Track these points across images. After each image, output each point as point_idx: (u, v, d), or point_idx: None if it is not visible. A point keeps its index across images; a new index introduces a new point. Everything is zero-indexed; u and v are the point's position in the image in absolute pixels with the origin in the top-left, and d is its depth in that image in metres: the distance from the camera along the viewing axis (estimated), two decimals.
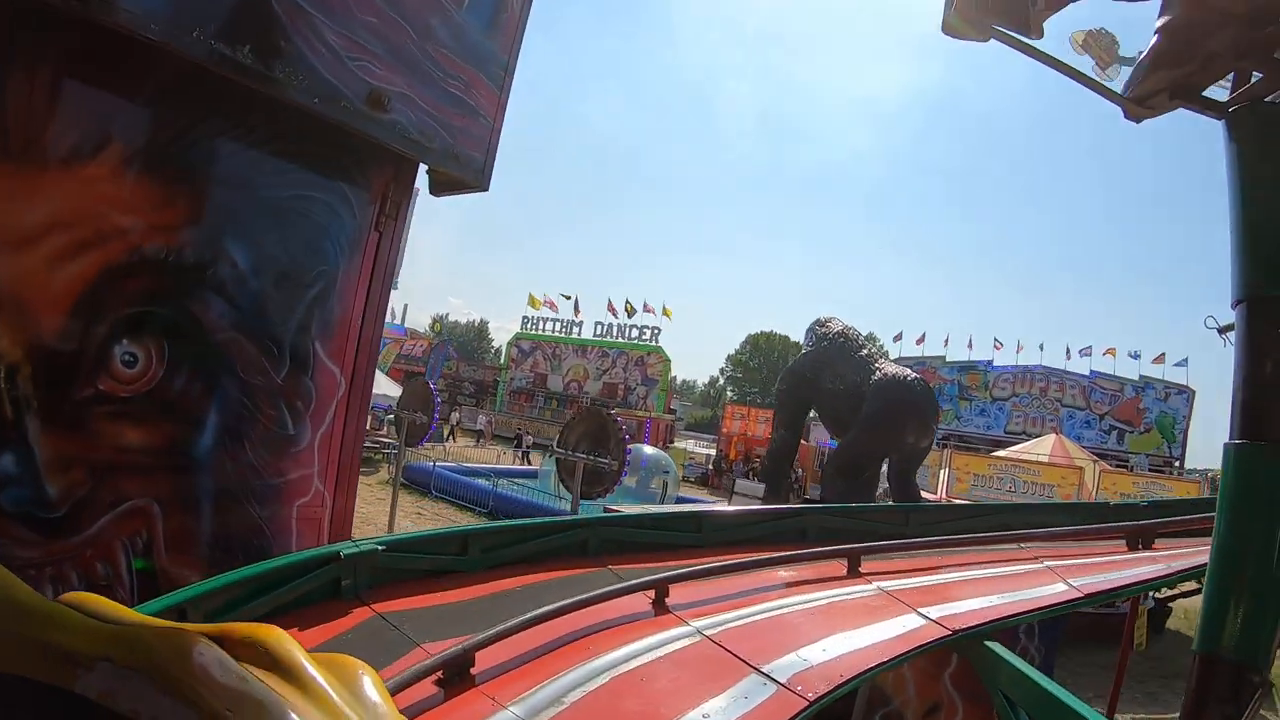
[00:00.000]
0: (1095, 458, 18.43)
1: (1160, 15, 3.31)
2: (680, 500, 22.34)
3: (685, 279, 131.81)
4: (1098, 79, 3.77)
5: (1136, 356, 36.39)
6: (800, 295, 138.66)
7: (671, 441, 40.17)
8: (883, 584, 3.79)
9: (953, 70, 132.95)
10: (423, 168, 4.15)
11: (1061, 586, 4.20)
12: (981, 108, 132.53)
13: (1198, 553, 5.00)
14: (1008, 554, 4.77)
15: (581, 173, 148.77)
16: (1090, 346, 37.49)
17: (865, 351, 12.50)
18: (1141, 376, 36.16)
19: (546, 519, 3.86)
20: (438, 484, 18.60)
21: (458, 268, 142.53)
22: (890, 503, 12.44)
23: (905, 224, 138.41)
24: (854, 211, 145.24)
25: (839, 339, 13.22)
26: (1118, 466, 31.72)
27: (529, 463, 26.95)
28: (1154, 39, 3.34)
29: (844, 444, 11.92)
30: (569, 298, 46.22)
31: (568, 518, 5.11)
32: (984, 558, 4.61)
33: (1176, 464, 35.11)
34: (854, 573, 3.88)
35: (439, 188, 4.38)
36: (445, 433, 31.35)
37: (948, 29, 3.76)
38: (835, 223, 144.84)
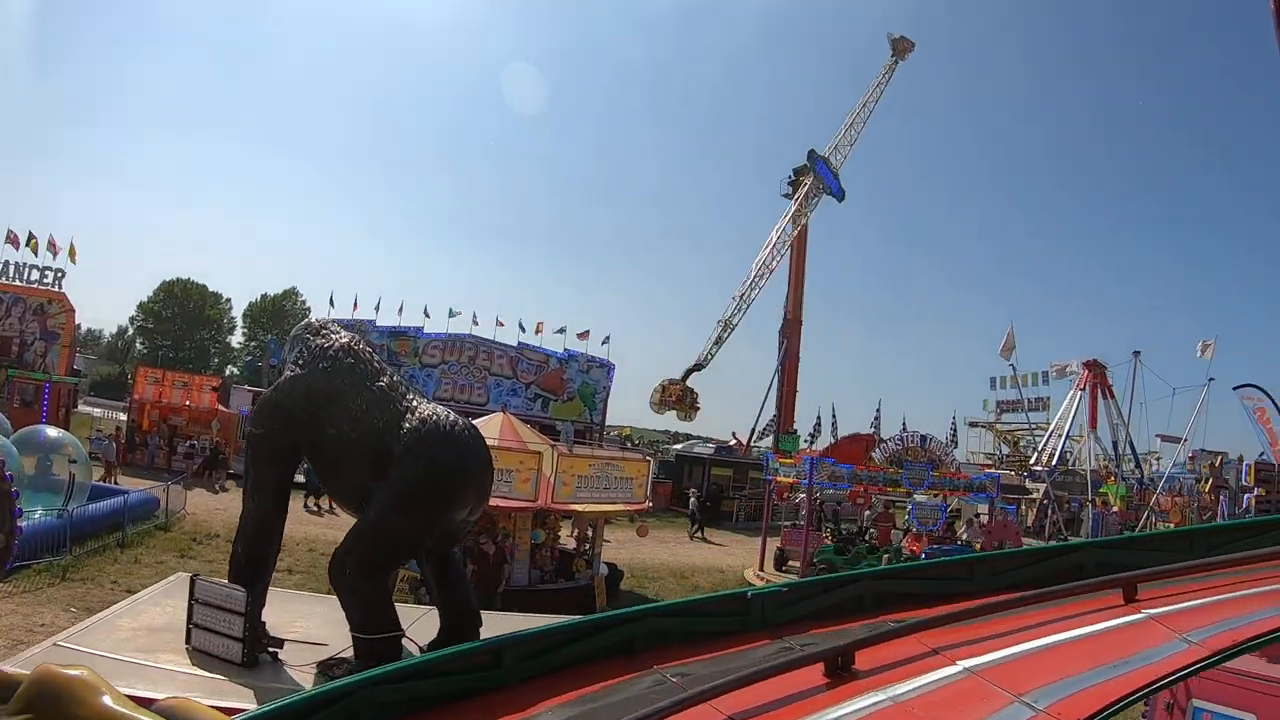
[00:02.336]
0: (545, 438, 19.12)
1: None
2: (98, 490, 18.28)
3: (90, 211, 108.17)
4: None
5: (562, 331, 40.62)
6: (224, 241, 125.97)
7: (75, 407, 34.23)
8: (967, 664, 3.28)
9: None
10: None
11: None
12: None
13: None
14: None
15: None
16: (521, 320, 40.63)
17: (386, 381, 8.23)
18: (566, 350, 40.47)
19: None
20: None
21: None
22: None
23: (346, 181, 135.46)
24: (294, 159, 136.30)
25: (346, 359, 8.33)
26: (543, 432, 35.04)
27: None
28: None
29: (367, 528, 7.53)
30: None
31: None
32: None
33: (597, 429, 40.34)
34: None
35: None
36: None
37: None
38: (267, 166, 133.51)
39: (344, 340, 8.57)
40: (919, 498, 21.29)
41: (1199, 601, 3.67)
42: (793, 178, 49.29)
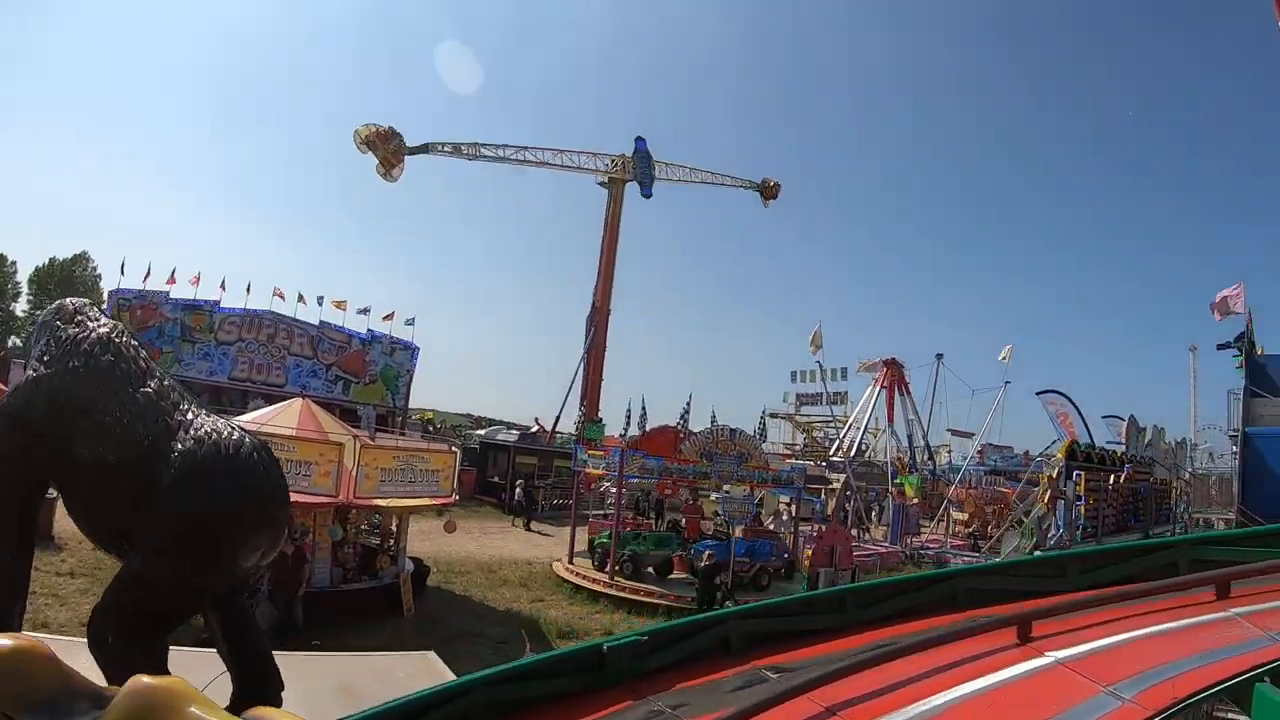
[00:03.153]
0: (347, 427, 17.92)
1: None
2: None
3: None
4: None
5: (366, 311, 38.42)
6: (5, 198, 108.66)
7: None
8: (1057, 655, 3.19)
9: None
10: None
11: None
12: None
13: None
14: None
15: None
16: (322, 297, 38.04)
17: (155, 386, 6.29)
18: (370, 331, 38.33)
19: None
20: None
21: None
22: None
23: (145, 136, 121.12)
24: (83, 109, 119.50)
25: (104, 356, 6.35)
26: (344, 416, 33.00)
27: None
28: None
29: (131, 581, 5.75)
30: None
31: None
32: None
33: (399, 414, 38.53)
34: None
35: None
36: None
37: None
38: (58, 116, 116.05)
39: (103, 331, 6.56)
40: (729, 490, 21.94)
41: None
42: (610, 166, 49.59)
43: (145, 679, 1.25)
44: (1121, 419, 32.22)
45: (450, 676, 7.62)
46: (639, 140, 49.53)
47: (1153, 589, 3.65)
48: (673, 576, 19.85)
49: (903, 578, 4.25)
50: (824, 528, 21.86)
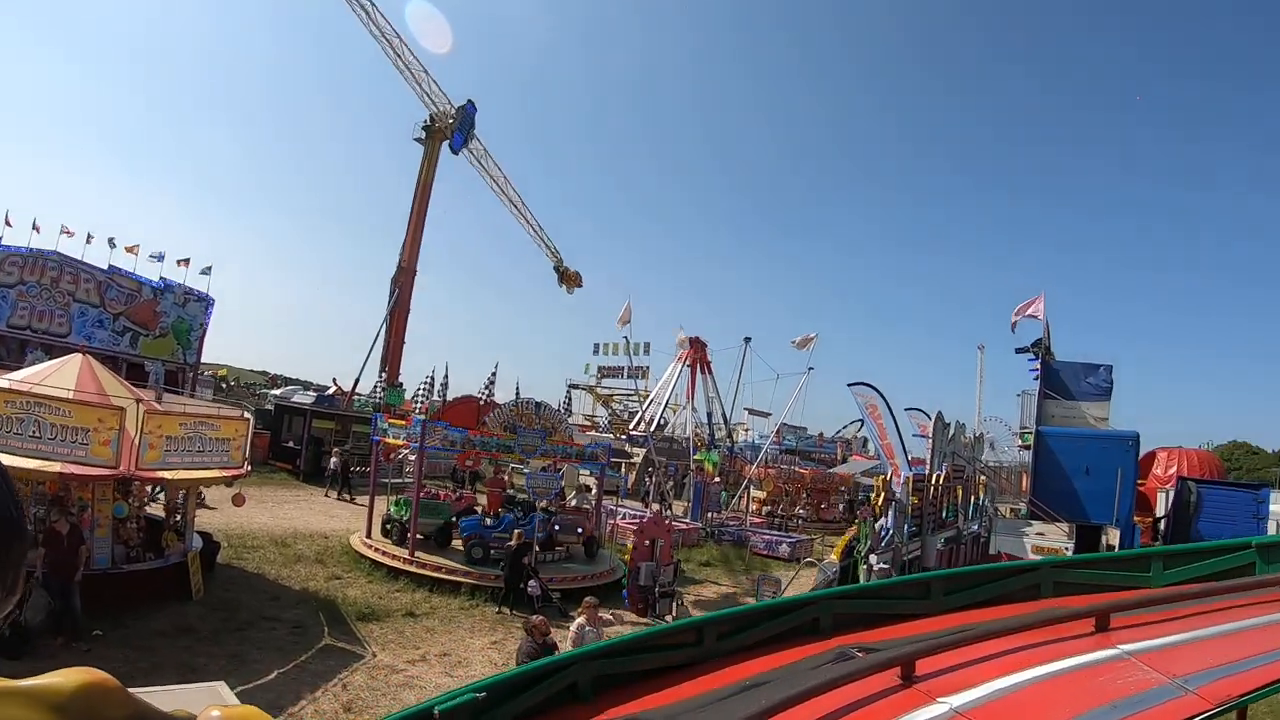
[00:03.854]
0: (131, 388, 16.67)
1: None
2: None
3: None
4: None
5: (160, 258, 35.05)
6: None
7: None
8: (1129, 647, 3.15)
9: None
10: None
11: None
12: None
13: None
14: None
15: None
16: (114, 238, 34.01)
17: None
18: (163, 279, 35.06)
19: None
20: None
21: None
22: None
23: None
24: None
25: None
26: (131, 371, 30.45)
27: None
28: None
29: None
30: None
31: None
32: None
33: (190, 370, 35.70)
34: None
35: None
36: None
37: None
38: None
39: None
40: (535, 465, 22.18)
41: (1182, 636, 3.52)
42: (427, 123, 48.22)
43: (218, 709, 1.26)
44: (923, 411, 34.32)
45: (235, 702, 7.76)
46: (470, 103, 48.73)
47: (1229, 587, 3.45)
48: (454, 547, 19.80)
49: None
50: (643, 519, 22.21)
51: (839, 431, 72.30)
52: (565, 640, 11.18)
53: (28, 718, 1.03)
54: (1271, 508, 23.83)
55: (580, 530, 21.26)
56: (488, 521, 20.00)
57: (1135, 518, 26.03)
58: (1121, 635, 3.06)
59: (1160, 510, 30.76)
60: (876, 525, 14.40)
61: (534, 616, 10.85)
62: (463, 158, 50.24)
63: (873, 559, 12.56)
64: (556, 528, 20.60)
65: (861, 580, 12.79)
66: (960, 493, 20.33)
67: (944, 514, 18.69)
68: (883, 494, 15.34)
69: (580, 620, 11.20)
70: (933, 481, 21.63)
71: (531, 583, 16.55)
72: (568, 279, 59.86)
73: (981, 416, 56.18)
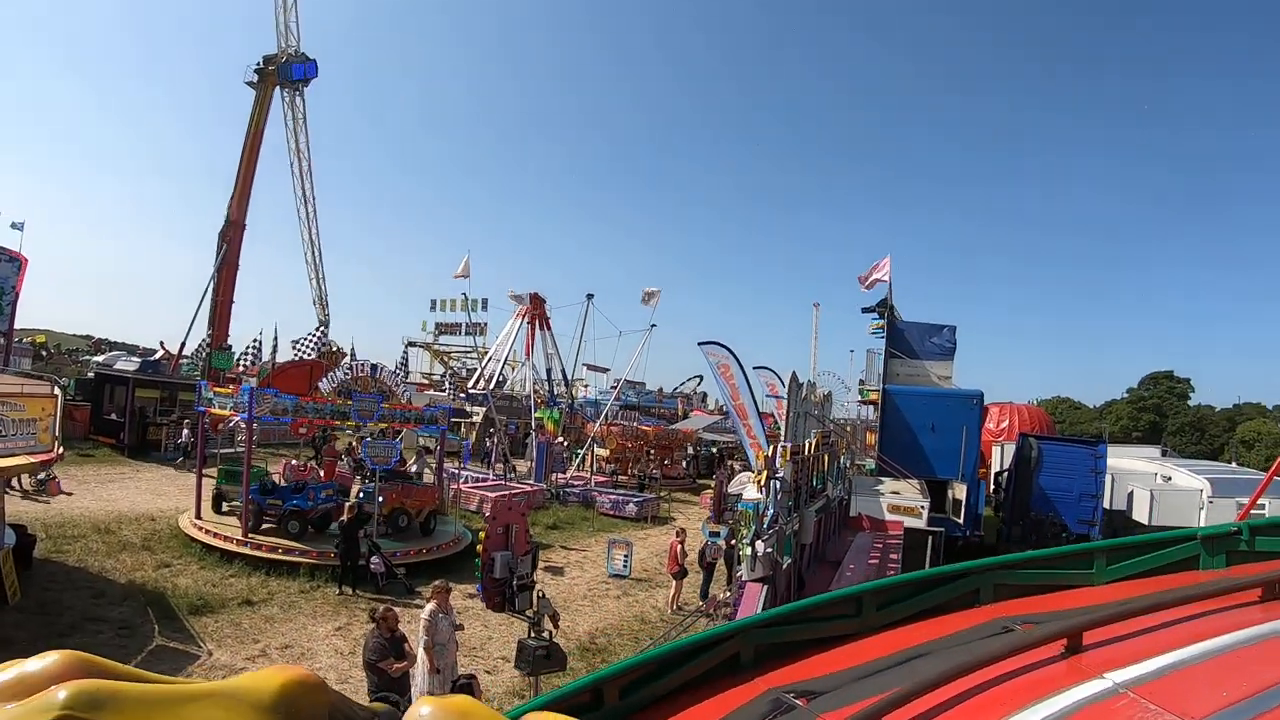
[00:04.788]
0: None
1: None
2: None
3: None
4: None
5: None
6: None
7: None
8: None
9: None
10: None
11: None
12: None
13: None
14: None
15: None
16: None
17: None
18: None
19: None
20: None
21: None
22: None
23: None
24: None
25: None
26: None
27: None
28: None
29: None
30: None
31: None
32: None
33: (2, 337, 32.45)
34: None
35: None
36: None
37: None
38: None
39: None
40: (372, 429, 21.37)
41: None
42: (260, 65, 45.40)
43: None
44: (771, 370, 34.54)
45: None
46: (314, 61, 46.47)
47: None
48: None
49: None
50: (486, 484, 21.66)
51: (678, 387, 74.89)
52: (417, 631, 10.76)
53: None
54: (1109, 462, 24.71)
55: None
56: (289, 490, 19.42)
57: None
58: None
59: (996, 465, 32.45)
60: (760, 508, 13.45)
61: (380, 607, 10.34)
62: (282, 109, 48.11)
63: (759, 545, 12.26)
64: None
65: (745, 570, 12.57)
66: (827, 459, 20.62)
67: (814, 482, 18.78)
68: (764, 472, 13.91)
69: (431, 606, 10.74)
70: (805, 452, 19.79)
71: (374, 559, 16.29)
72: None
73: (817, 372, 59.62)
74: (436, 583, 11.25)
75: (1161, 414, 78.67)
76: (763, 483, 13.64)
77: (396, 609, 10.70)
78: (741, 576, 12.92)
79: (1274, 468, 9.54)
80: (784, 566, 13.34)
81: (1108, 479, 24.61)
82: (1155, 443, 55.41)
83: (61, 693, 0.95)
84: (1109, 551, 4.00)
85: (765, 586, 11.85)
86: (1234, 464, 42.66)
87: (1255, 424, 72.09)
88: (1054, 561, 4.01)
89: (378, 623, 9.79)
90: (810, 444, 18.20)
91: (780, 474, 13.71)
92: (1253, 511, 9.70)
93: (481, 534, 11.39)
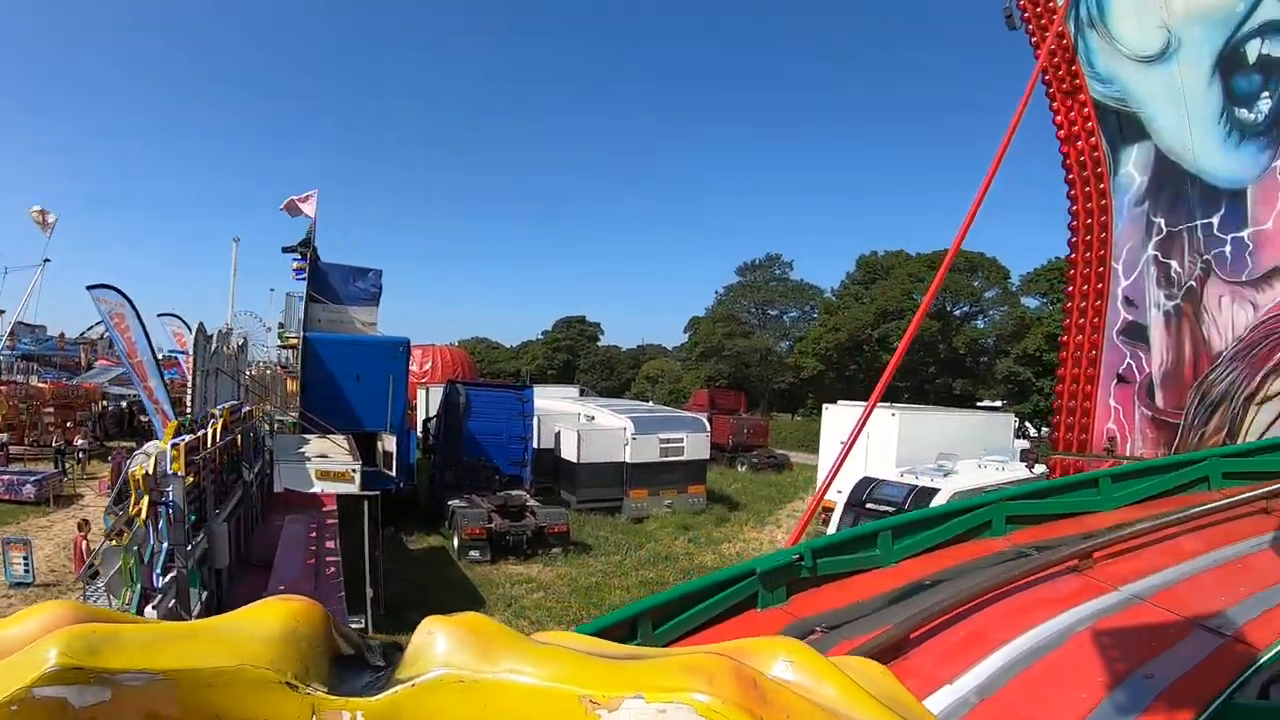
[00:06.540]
0: None
1: None
2: None
3: None
4: None
5: None
6: None
7: None
8: None
9: None
10: None
11: None
12: None
13: None
14: None
15: None
16: None
17: None
18: None
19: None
20: None
21: None
22: None
23: None
24: None
25: None
26: None
27: None
28: None
29: None
30: None
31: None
32: None
33: None
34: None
35: None
36: None
37: None
38: None
39: None
40: None
41: None
42: None
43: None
44: (179, 317, 30.60)
45: None
46: None
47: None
48: None
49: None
50: None
51: (84, 332, 61.70)
52: None
53: (237, 653, 0.88)
54: (536, 404, 25.22)
55: None
56: None
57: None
58: None
59: (423, 410, 31.40)
60: (138, 552, 8.92)
61: None
62: None
63: (148, 610, 8.27)
64: None
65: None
66: (240, 439, 15.26)
67: (224, 474, 13.37)
68: (146, 494, 9.12)
69: None
70: (209, 449, 12.18)
71: None
72: None
73: (235, 312, 53.82)
74: None
75: (574, 354, 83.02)
76: (144, 511, 9.23)
77: None
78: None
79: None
80: (196, 611, 9.60)
81: (535, 420, 25.13)
82: (570, 381, 59.55)
83: (53, 644, 0.82)
84: (1115, 478, 4.13)
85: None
86: (651, 402, 45.32)
87: (658, 362, 79.19)
88: (1059, 489, 4.22)
89: None
90: (216, 429, 12.54)
91: (169, 494, 9.25)
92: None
93: None
